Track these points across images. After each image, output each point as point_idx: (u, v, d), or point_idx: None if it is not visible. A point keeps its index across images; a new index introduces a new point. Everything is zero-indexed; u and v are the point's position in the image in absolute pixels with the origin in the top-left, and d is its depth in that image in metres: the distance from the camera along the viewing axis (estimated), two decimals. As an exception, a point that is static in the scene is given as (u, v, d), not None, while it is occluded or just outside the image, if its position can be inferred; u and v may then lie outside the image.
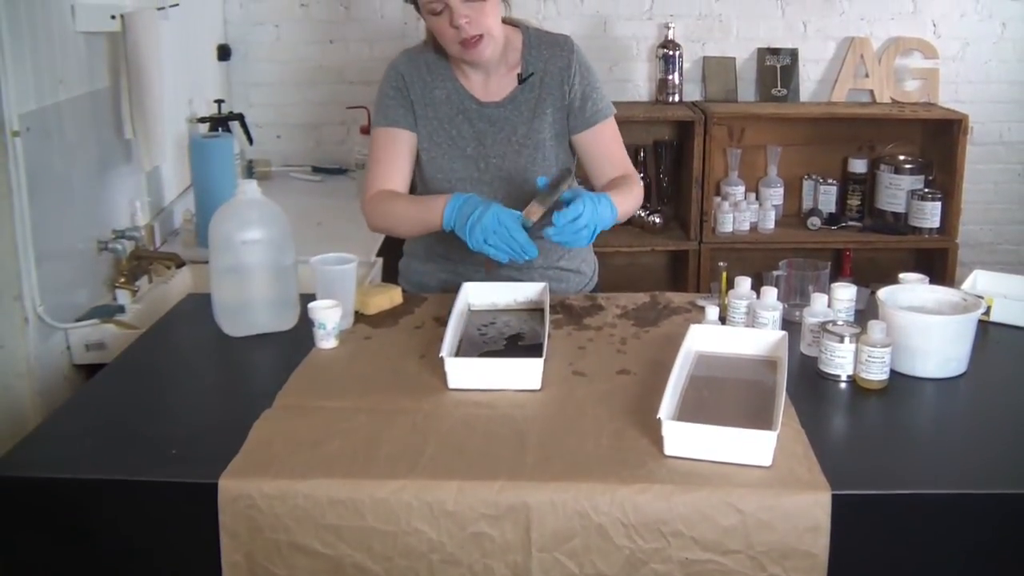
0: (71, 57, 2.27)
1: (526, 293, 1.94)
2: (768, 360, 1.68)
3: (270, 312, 1.86)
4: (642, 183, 2.05)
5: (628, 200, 1.95)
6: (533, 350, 1.69)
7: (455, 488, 1.33)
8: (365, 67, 3.69)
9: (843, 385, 1.64)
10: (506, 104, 2.03)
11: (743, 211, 3.58)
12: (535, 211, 1.81)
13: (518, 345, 1.77)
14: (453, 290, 1.92)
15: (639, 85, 3.78)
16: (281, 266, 1.85)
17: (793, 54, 3.73)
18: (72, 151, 2.28)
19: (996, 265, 3.50)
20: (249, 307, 1.84)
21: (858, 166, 3.67)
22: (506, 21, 2.00)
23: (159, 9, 2.75)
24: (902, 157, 3.62)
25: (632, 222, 3.61)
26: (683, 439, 1.39)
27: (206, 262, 1.92)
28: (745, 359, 1.69)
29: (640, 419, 1.49)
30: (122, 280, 2.43)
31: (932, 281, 1.84)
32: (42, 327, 2.10)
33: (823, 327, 1.66)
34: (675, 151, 3.72)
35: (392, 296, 1.99)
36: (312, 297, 1.83)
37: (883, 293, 1.74)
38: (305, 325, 1.82)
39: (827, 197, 3.68)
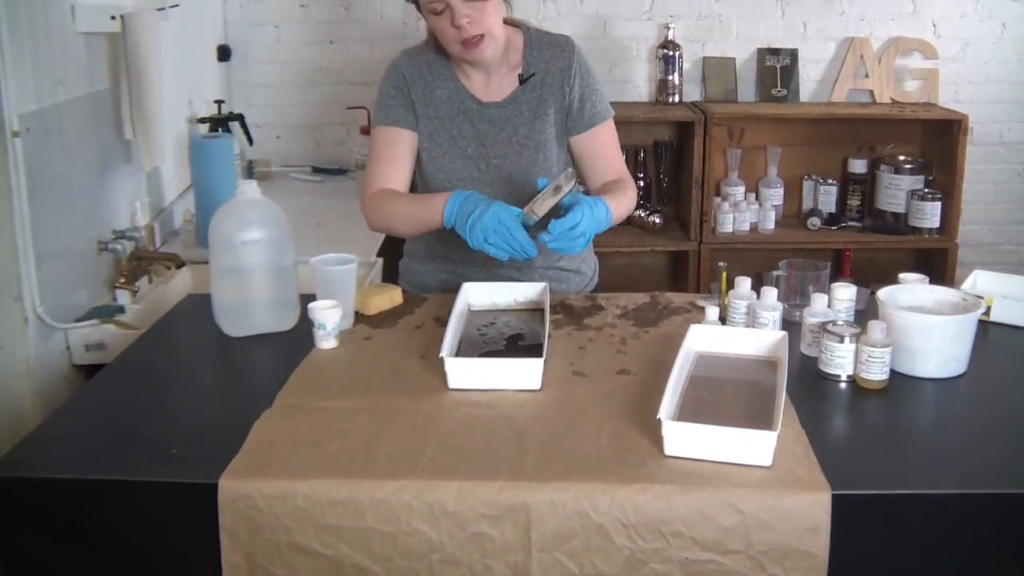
0: (71, 58, 2.27)
1: (526, 293, 1.94)
2: (768, 360, 1.68)
3: (270, 312, 1.86)
4: (635, 187, 2.06)
5: (623, 206, 1.96)
6: (533, 350, 1.69)
7: (455, 488, 1.33)
8: (365, 68, 3.70)
9: (843, 385, 1.64)
10: (507, 104, 2.03)
11: (743, 211, 3.58)
12: (537, 209, 1.81)
13: (518, 345, 1.77)
14: (453, 290, 1.92)
15: (639, 86, 3.78)
16: (281, 266, 1.85)
17: (793, 54, 3.73)
18: (72, 152, 2.28)
19: (996, 265, 3.50)
20: (249, 307, 1.84)
21: (858, 166, 3.68)
22: (507, 21, 2.00)
23: (159, 10, 2.75)
24: (902, 157, 3.62)
25: (632, 222, 3.61)
26: (683, 439, 1.39)
27: (206, 262, 1.92)
28: (745, 359, 1.69)
29: (640, 419, 1.49)
30: (122, 280, 2.43)
31: (932, 281, 1.84)
32: (42, 327, 2.10)
33: (823, 327, 1.66)
34: (675, 151, 3.72)
35: (392, 296, 1.99)
36: (312, 297, 1.83)
37: (883, 293, 1.74)
38: (305, 325, 1.82)
39: (827, 197, 3.68)
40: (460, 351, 1.73)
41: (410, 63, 2.05)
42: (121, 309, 2.36)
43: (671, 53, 3.64)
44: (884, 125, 3.68)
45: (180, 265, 2.59)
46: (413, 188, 2.10)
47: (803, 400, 1.56)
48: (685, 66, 3.70)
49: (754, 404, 1.52)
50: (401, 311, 1.97)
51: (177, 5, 2.93)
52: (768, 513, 1.30)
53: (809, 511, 1.30)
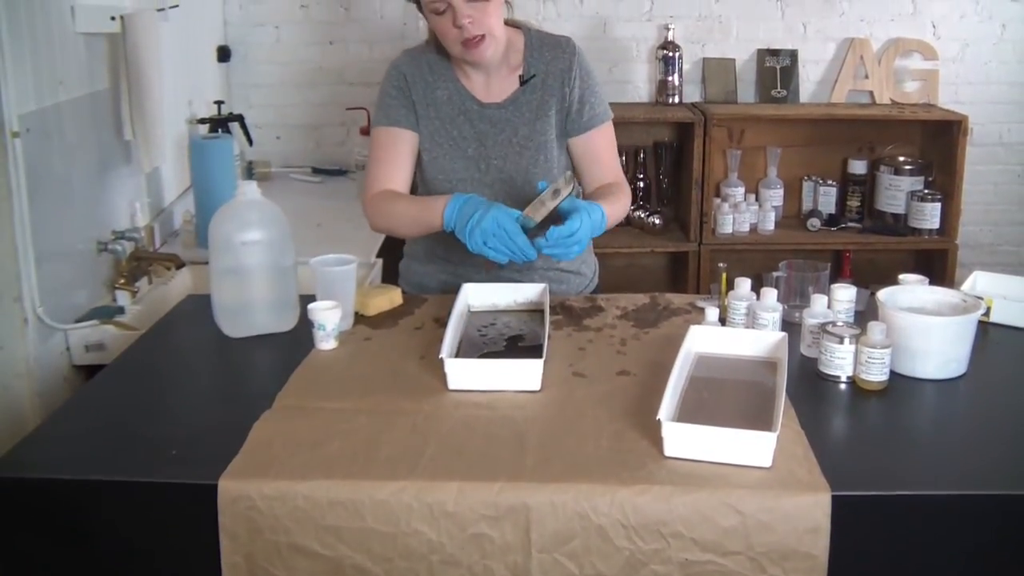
0: (71, 58, 2.27)
1: (526, 294, 1.94)
2: (768, 361, 1.68)
3: (270, 313, 1.86)
4: (630, 192, 2.06)
5: (617, 211, 1.96)
6: (533, 351, 1.69)
7: (455, 489, 1.33)
8: (365, 68, 3.70)
9: (843, 386, 1.63)
10: (507, 105, 2.03)
11: (743, 212, 3.58)
12: (535, 214, 1.81)
13: (518, 346, 1.77)
14: (453, 291, 1.92)
15: (639, 86, 3.79)
16: (281, 267, 1.85)
17: (793, 55, 3.73)
18: (72, 152, 2.28)
19: (996, 266, 3.49)
20: (249, 308, 1.84)
21: (858, 167, 3.68)
22: (508, 23, 2.00)
23: (159, 10, 2.76)
24: (902, 158, 3.62)
25: (632, 223, 3.62)
26: (683, 440, 1.39)
27: (206, 263, 1.92)
28: (745, 360, 1.69)
29: (640, 420, 1.49)
30: (122, 281, 2.43)
31: (932, 282, 1.84)
32: (42, 328, 2.10)
33: (823, 328, 1.66)
34: (675, 152, 3.72)
35: (392, 297, 1.99)
36: (312, 298, 1.83)
37: (883, 294, 1.74)
38: (305, 326, 1.82)
39: (827, 198, 3.68)
40: (460, 352, 1.73)
41: (411, 63, 2.05)
42: (121, 310, 2.36)
43: (671, 54, 3.64)
44: (884, 126, 3.68)
45: (180, 266, 2.59)
46: (414, 189, 2.10)
47: (803, 401, 1.56)
48: (685, 67, 3.70)
49: (754, 405, 1.52)
50: (401, 312, 1.97)
51: (177, 6, 2.93)
52: (768, 514, 1.30)
53: (809, 512, 1.30)
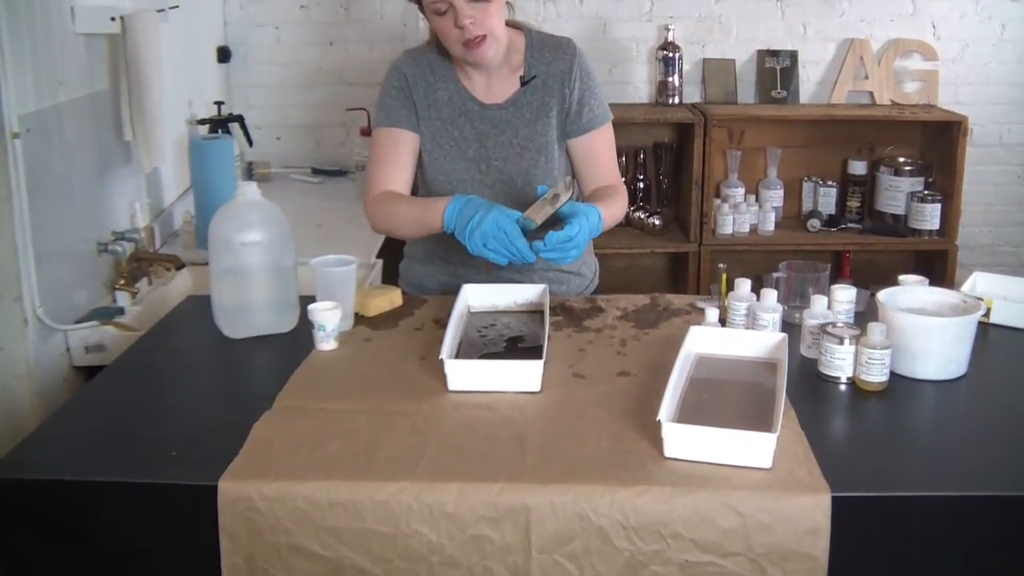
0: (71, 59, 2.27)
1: (526, 295, 1.94)
2: (768, 362, 1.68)
3: (270, 314, 1.86)
4: (627, 194, 2.07)
5: (615, 214, 1.96)
6: (533, 352, 1.69)
7: (455, 490, 1.33)
8: (365, 69, 3.70)
9: (843, 387, 1.63)
10: (508, 106, 2.03)
11: (743, 213, 3.58)
12: (537, 215, 1.81)
13: (518, 347, 1.77)
14: (453, 292, 1.92)
15: (639, 87, 3.79)
16: (281, 268, 1.85)
17: (793, 56, 3.73)
18: (72, 153, 2.28)
19: (996, 267, 3.50)
20: (249, 309, 1.84)
21: (858, 168, 3.68)
22: (509, 24, 2.00)
23: (159, 11, 2.76)
24: (902, 159, 3.62)
25: (632, 224, 3.62)
26: (683, 441, 1.39)
27: (206, 264, 1.92)
28: (745, 361, 1.69)
29: (640, 421, 1.49)
30: (122, 282, 2.43)
31: (932, 283, 1.84)
32: (41, 329, 2.10)
33: (823, 329, 1.66)
34: (675, 153, 3.72)
35: (392, 298, 1.99)
36: (312, 299, 1.83)
37: (883, 295, 1.74)
38: (305, 327, 1.82)
39: (827, 199, 3.68)
40: (460, 353, 1.73)
41: (412, 64, 2.04)
42: (121, 311, 2.36)
43: (671, 55, 3.64)
44: (884, 127, 3.68)
45: (180, 266, 2.59)
46: (414, 190, 2.10)
47: (803, 402, 1.56)
48: (685, 67, 3.70)
49: (754, 406, 1.52)
50: (401, 313, 1.97)
51: (177, 6, 2.93)
52: (768, 515, 1.30)
53: (809, 513, 1.30)
